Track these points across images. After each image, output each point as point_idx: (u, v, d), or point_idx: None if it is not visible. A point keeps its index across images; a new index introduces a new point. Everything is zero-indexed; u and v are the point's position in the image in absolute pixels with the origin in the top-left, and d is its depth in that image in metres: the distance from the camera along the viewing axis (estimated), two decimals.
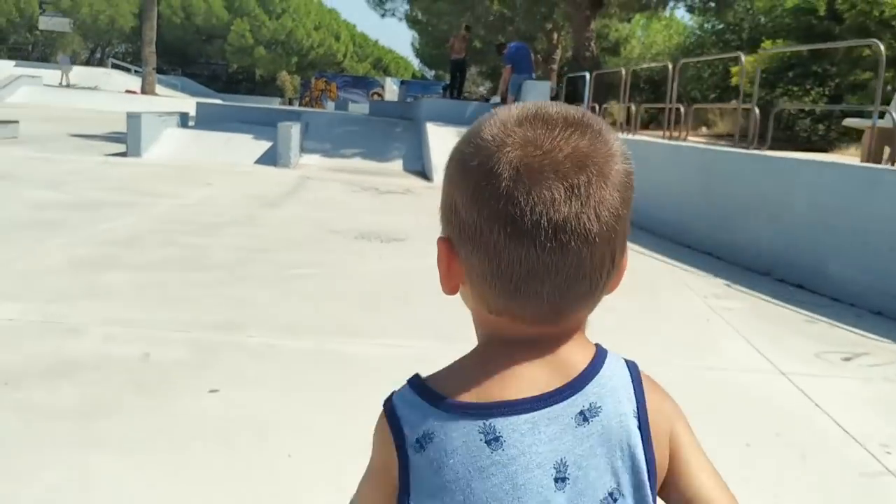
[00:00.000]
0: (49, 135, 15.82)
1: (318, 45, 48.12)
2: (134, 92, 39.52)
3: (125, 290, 4.45)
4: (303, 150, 14.35)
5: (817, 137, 17.54)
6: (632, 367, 0.81)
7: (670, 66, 9.34)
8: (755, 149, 7.44)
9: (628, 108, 13.04)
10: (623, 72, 11.45)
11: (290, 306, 4.37)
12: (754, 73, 16.92)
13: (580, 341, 0.80)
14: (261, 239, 6.39)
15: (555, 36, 27.53)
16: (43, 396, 2.92)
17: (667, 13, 25.58)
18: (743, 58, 8.21)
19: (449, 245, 0.77)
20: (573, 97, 15.72)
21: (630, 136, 10.30)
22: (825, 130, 17.88)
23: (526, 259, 0.71)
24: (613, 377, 0.78)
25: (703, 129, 20.56)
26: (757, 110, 7.59)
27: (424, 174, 13.48)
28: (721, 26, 24.03)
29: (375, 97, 53.32)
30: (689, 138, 9.82)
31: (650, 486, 0.77)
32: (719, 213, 7.22)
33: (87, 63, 50.84)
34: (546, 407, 0.74)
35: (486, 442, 0.73)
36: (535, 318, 0.76)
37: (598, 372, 0.78)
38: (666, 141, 9.07)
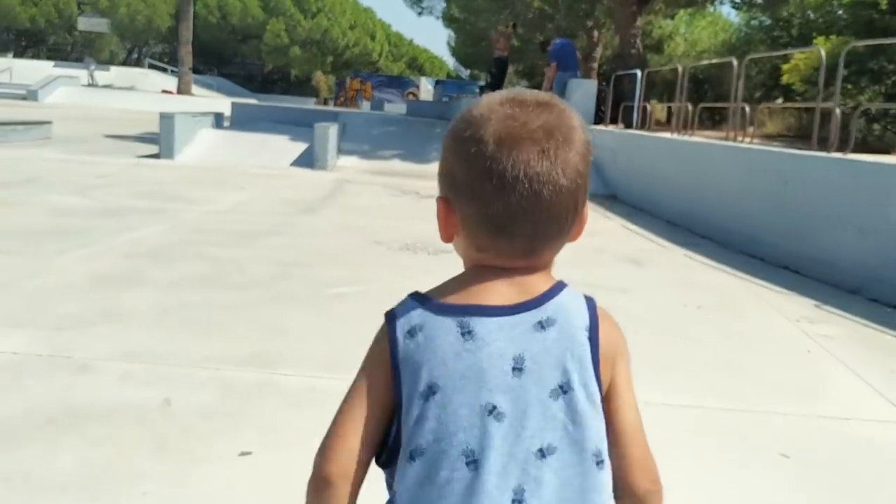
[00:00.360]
0: (83, 136, 15.51)
1: (354, 45, 47.76)
2: (170, 92, 39.47)
3: (146, 314, 3.94)
4: (340, 151, 13.87)
5: (873, 138, 16.68)
6: (589, 300, 1.00)
7: (735, 62, 8.68)
8: (837, 151, 6.77)
9: (686, 108, 12.37)
10: (680, 69, 10.78)
11: (330, 334, 3.82)
12: (808, 71, 16.17)
13: (545, 276, 1.00)
14: (297, 251, 5.87)
15: (595, 34, 26.81)
16: (40, 460, 2.40)
17: (713, 9, 24.74)
18: (823, 53, 7.51)
19: (446, 202, 1.00)
20: (619, 97, 15.05)
21: (687, 138, 9.64)
22: (881, 131, 17.02)
23: (508, 205, 0.92)
24: (570, 302, 0.98)
25: (750, 129, 19.73)
26: (838, 110, 6.91)
27: None
28: (769, 22, 23.16)
29: (410, 97, 53.08)
30: (743, 139, 9.18)
31: (598, 386, 0.94)
32: (796, 222, 6.56)
33: (125, 63, 51.05)
34: (511, 315, 0.94)
35: (461, 334, 0.93)
36: (513, 253, 0.97)
37: (556, 296, 0.97)
38: (730, 143, 8.40)
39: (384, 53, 54.30)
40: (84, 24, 46.62)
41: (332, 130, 12.78)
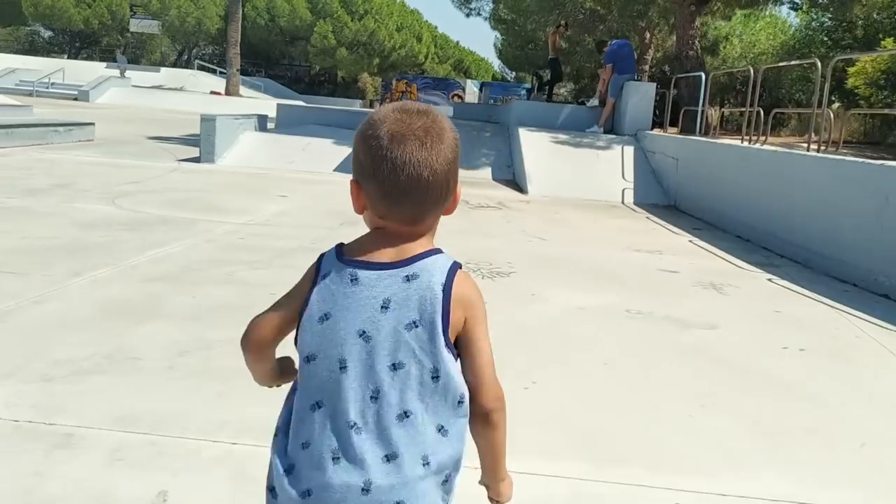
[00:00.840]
0: (125, 137, 15.12)
1: (400, 47, 47.20)
2: (218, 93, 39.35)
3: (157, 359, 3.30)
4: None
5: None
6: (454, 264, 1.28)
7: (819, 64, 7.81)
8: None
9: (757, 113, 11.52)
10: (752, 70, 9.93)
11: None
12: (875, 74, 15.12)
13: (424, 242, 1.30)
14: None
15: (647, 35, 25.85)
16: None
17: (773, 9, 23.62)
18: None
19: (357, 183, 1.28)
20: (677, 100, 14.21)
21: (764, 146, 8.79)
22: None
23: (398, 184, 1.22)
24: (435, 263, 1.26)
25: (825, 136, 18.66)
26: None
27: (516, 184, 12.18)
28: (830, 24, 22.02)
29: (456, 99, 52.41)
30: (819, 147, 8.26)
31: (442, 327, 1.23)
32: None
33: (175, 65, 51.21)
34: (387, 269, 1.24)
35: (350, 280, 1.24)
36: (402, 220, 1.27)
37: (425, 258, 1.26)
38: (812, 153, 7.55)
39: (430, 55, 53.68)
40: (136, 25, 46.78)
41: None
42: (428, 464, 1.22)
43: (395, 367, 1.22)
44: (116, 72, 39.75)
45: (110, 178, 9.10)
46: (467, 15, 26.67)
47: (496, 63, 76.05)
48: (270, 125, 20.96)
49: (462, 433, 1.27)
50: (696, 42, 16.31)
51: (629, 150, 12.49)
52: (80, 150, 12.03)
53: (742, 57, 24.60)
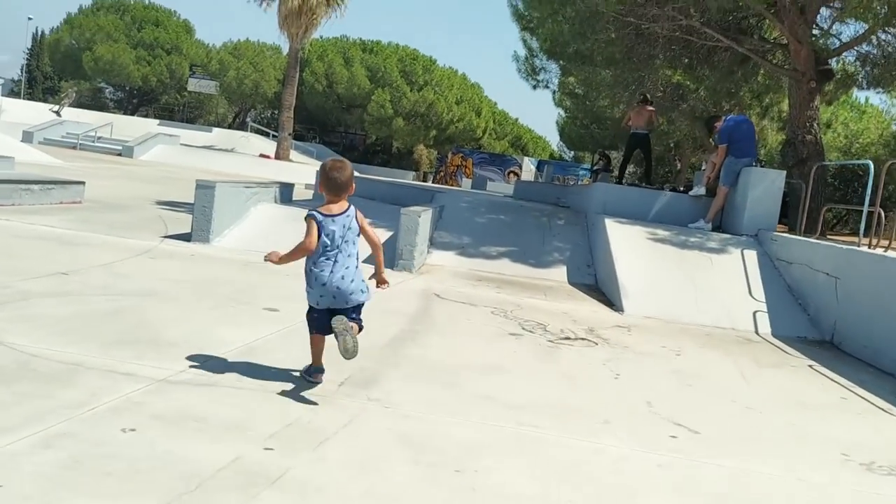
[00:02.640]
0: (127, 201, 12.40)
1: (459, 120, 44.90)
2: (267, 156, 37.21)
3: None
4: (433, 244, 10.22)
5: None
6: (352, 206, 3.95)
7: None
8: None
9: (879, 214, 8.44)
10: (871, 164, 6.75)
11: None
12: None
13: (345, 202, 3.92)
14: None
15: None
16: None
17: None
18: None
19: (321, 186, 3.97)
20: (796, 194, 11.09)
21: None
22: None
23: (337, 184, 3.87)
24: (351, 208, 3.92)
25: None
26: None
27: (602, 293, 9.03)
28: None
29: (511, 176, 49.82)
30: None
31: (356, 232, 3.95)
32: None
33: (231, 126, 49.71)
34: (340, 215, 3.87)
35: (329, 218, 3.84)
36: (339, 198, 3.90)
37: (349, 208, 3.91)
38: None
39: (488, 130, 51.35)
40: (193, 85, 45.46)
41: (425, 218, 9.15)
42: (357, 267, 3.96)
43: (349, 249, 3.91)
44: (172, 130, 38.03)
45: (34, 261, 6.20)
46: (534, 87, 23.92)
47: (555, 141, 73.80)
48: (307, 193, 18.25)
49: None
50: (816, 125, 13.17)
51: (751, 256, 9.28)
52: (47, 215, 9.25)
53: (846, 146, 21.39)
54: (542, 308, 7.46)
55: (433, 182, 48.01)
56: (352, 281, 3.85)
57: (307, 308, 3.99)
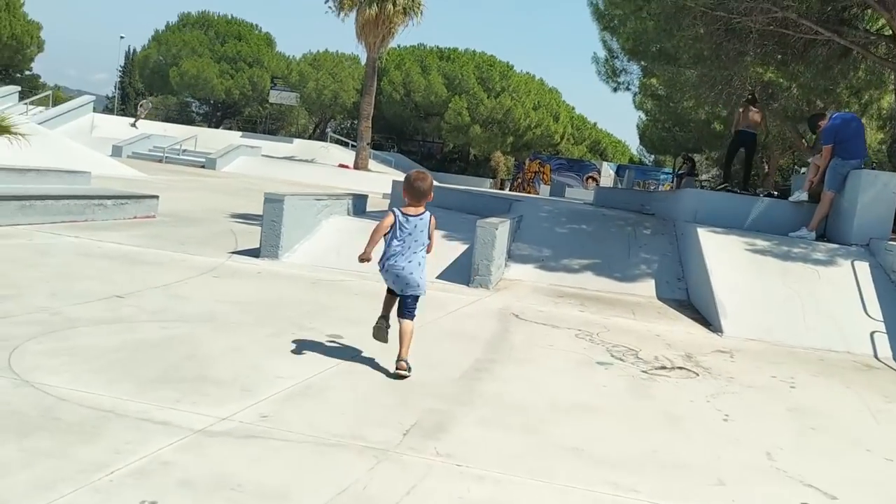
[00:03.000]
0: (203, 213, 12.23)
1: (536, 126, 44.09)
2: (346, 166, 37.25)
3: None
4: (511, 256, 9.61)
5: None
6: (427, 212, 4.56)
7: None
8: None
9: None
10: None
11: None
12: None
13: (422, 207, 4.52)
14: None
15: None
16: None
17: None
18: None
19: (392, 212, 4.53)
20: None
21: None
22: None
23: (418, 192, 4.48)
24: (426, 213, 4.52)
25: None
26: None
27: (693, 308, 8.26)
28: None
29: (590, 182, 48.75)
30: None
31: (426, 235, 4.55)
32: None
33: (312, 137, 50.15)
34: (416, 217, 4.47)
35: (406, 218, 4.47)
36: (417, 204, 4.50)
37: (425, 212, 4.52)
38: None
39: (566, 136, 50.36)
40: (275, 97, 46.02)
41: (503, 230, 8.54)
42: (420, 264, 4.57)
43: (418, 246, 4.53)
44: (254, 142, 38.48)
45: (91, 283, 5.88)
46: (614, 90, 23.03)
47: (634, 146, 72.01)
48: (383, 204, 17.87)
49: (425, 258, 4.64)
50: None
51: (863, 268, 8.33)
52: (118, 230, 9.05)
53: None
54: (631, 329, 6.76)
55: (510, 189, 47.37)
56: (411, 273, 4.54)
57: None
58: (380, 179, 29.22)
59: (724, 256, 8.48)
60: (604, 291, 8.93)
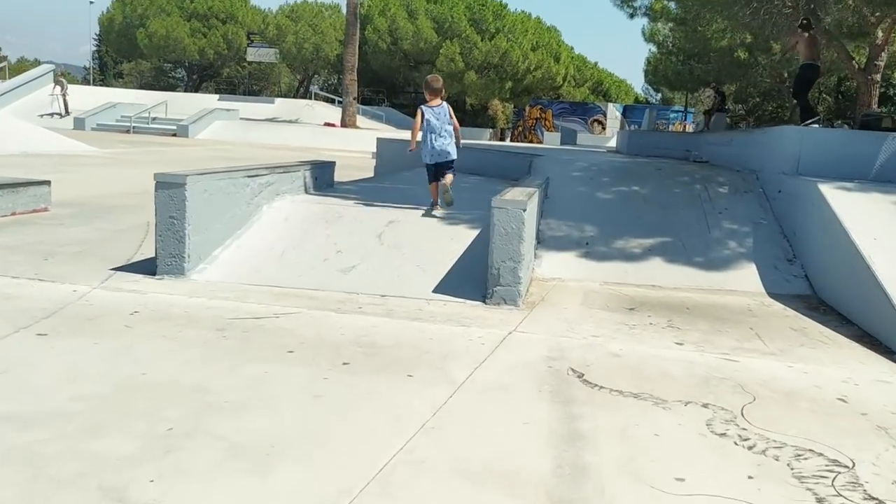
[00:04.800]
0: (123, 199, 9.20)
1: (536, 68, 40.46)
2: (332, 125, 33.91)
3: None
4: (539, 239, 6.57)
5: None
6: (446, 103, 6.76)
7: None
8: None
9: None
10: None
11: None
12: None
13: (440, 99, 6.73)
14: None
15: (878, 34, 18.04)
16: None
17: None
18: None
19: (420, 109, 6.54)
20: None
21: None
22: None
23: (433, 88, 6.58)
24: (444, 104, 6.69)
25: None
26: None
27: (831, 310, 5.25)
28: None
29: (596, 125, 45.41)
30: None
31: (448, 118, 6.56)
32: None
33: (296, 95, 46.65)
34: (437, 107, 6.58)
35: (430, 111, 6.52)
36: (435, 96, 6.58)
37: (443, 103, 6.66)
38: None
39: (568, 78, 46.70)
40: (252, 54, 42.36)
41: (532, 211, 5.44)
42: (450, 139, 6.50)
43: (445, 128, 6.47)
44: (230, 104, 35.12)
45: None
46: (631, 16, 19.68)
47: (638, 84, 68.21)
48: (368, 166, 14.75)
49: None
50: None
51: None
52: None
53: None
54: (784, 387, 3.74)
55: (511, 139, 44.02)
56: (446, 146, 6.48)
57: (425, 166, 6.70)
58: (369, 137, 25.91)
59: (878, 229, 5.43)
60: (687, 288, 5.91)
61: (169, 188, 5.24)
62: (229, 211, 5.88)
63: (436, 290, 5.26)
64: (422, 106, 6.44)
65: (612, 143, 29.23)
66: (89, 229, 7.08)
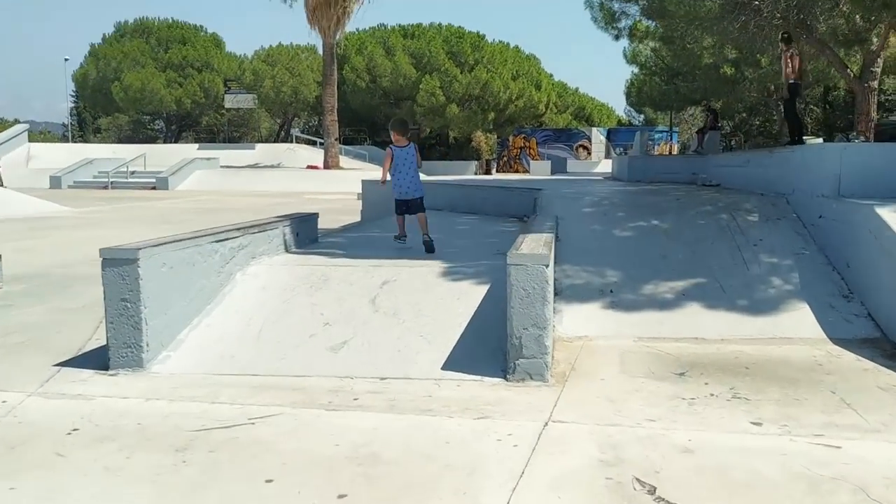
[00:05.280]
0: (85, 267, 8.24)
1: (517, 97, 39.89)
2: (315, 167, 33.12)
3: None
4: (556, 291, 5.69)
5: None
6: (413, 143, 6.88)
7: None
8: None
9: None
10: None
11: None
12: None
13: (406, 139, 6.76)
14: None
15: (874, 41, 17.47)
16: None
17: None
18: None
19: (390, 149, 6.64)
20: None
21: None
22: None
23: (401, 129, 6.78)
24: (411, 144, 6.73)
25: None
26: None
27: None
28: None
29: (581, 151, 44.88)
30: None
31: (413, 158, 6.67)
32: None
33: (277, 139, 45.91)
34: (404, 148, 6.66)
35: (399, 150, 6.62)
36: (402, 136, 6.72)
37: (410, 144, 6.72)
38: None
39: (550, 104, 46.20)
40: (230, 101, 41.58)
41: (551, 265, 4.57)
42: (416, 174, 6.69)
43: (407, 162, 6.56)
44: (210, 153, 34.29)
45: None
46: (615, 37, 19.13)
47: (619, 107, 67.80)
48: (355, 209, 13.92)
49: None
50: None
51: None
52: None
53: None
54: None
55: (496, 170, 43.38)
56: (411, 183, 6.62)
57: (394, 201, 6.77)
58: (353, 177, 25.04)
59: None
60: (736, 339, 5.05)
61: (119, 265, 4.34)
62: (196, 284, 4.99)
63: (445, 367, 4.37)
64: (391, 146, 6.67)
65: (605, 167, 28.50)
66: (41, 310, 6.16)
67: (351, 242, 7.54)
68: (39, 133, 68.92)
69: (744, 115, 38.90)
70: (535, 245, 4.55)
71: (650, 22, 20.35)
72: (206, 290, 5.12)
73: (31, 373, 4.39)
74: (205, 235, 5.21)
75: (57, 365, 4.55)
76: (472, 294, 5.26)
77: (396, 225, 6.83)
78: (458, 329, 4.81)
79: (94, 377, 4.33)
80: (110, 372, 4.38)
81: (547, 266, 4.18)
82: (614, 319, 5.43)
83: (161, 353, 4.55)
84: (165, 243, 4.69)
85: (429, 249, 6.38)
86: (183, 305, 4.82)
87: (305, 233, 7.09)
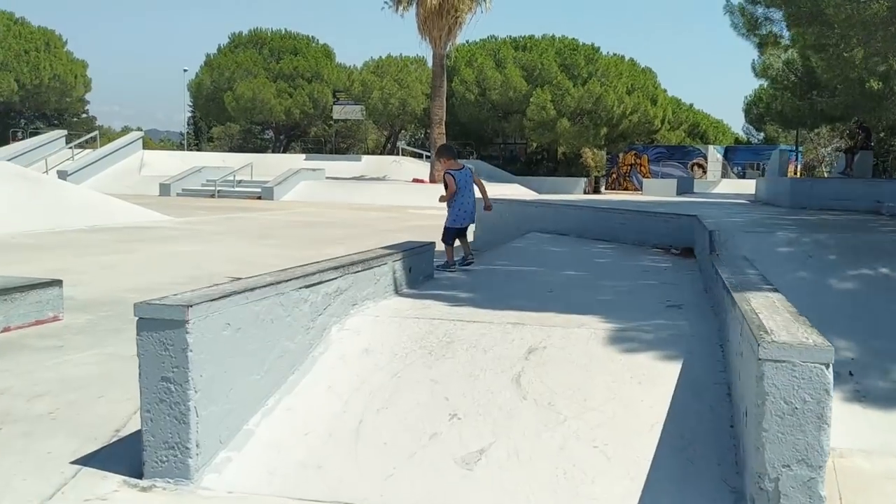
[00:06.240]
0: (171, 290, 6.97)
1: (632, 112, 37.66)
2: (421, 181, 31.93)
3: None
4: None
5: None
6: (469, 167, 7.09)
7: None
8: None
9: None
10: None
11: None
12: None
13: (459, 162, 7.20)
14: None
15: None
16: None
17: None
18: None
19: (451, 175, 6.71)
20: None
21: None
22: None
23: (451, 155, 7.33)
24: (467, 167, 7.03)
25: None
26: None
27: None
28: None
29: (696, 169, 42.25)
30: None
31: (472, 180, 6.91)
32: None
33: (383, 151, 45.24)
34: (461, 171, 6.83)
35: (459, 174, 6.79)
36: (455, 161, 7.06)
37: (465, 167, 7.00)
38: None
39: (666, 120, 43.70)
40: (338, 112, 41.13)
41: (828, 372, 2.89)
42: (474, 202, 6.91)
43: (470, 188, 6.72)
44: (316, 164, 33.74)
45: None
46: (758, 45, 17.00)
47: (738, 124, 64.21)
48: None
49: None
50: None
51: None
52: None
53: None
54: None
55: (606, 187, 41.22)
56: (473, 207, 6.82)
57: (444, 230, 6.84)
58: None
59: None
60: None
61: (160, 329, 2.94)
62: (275, 348, 3.55)
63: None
64: (450, 171, 6.74)
65: (726, 188, 26.18)
66: (91, 358, 4.89)
67: (474, 280, 6.02)
68: (160, 142, 71.10)
69: (881, 134, 35.44)
70: (788, 322, 2.88)
71: (786, 33, 18.19)
72: (288, 355, 3.68)
73: (39, 476, 3.03)
74: (290, 280, 3.76)
75: (76, 462, 3.19)
76: (658, 375, 3.63)
77: (446, 253, 6.85)
78: (647, 436, 3.19)
79: (119, 492, 2.93)
80: (143, 483, 2.98)
81: (828, 366, 2.52)
82: (866, 420, 3.69)
83: (219, 453, 3.12)
84: (232, 294, 3.25)
85: (469, 261, 6.94)
86: (255, 380, 3.39)
87: (419, 268, 5.61)
